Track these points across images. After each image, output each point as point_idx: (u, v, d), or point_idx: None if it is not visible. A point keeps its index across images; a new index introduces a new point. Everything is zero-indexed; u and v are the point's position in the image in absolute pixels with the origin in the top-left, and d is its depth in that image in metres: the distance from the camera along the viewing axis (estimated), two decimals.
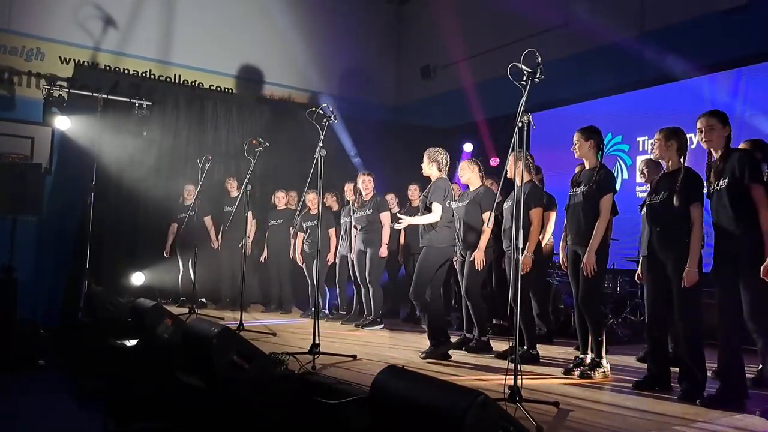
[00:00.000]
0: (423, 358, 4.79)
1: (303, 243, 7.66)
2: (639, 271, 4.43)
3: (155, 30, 10.10)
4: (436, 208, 5.00)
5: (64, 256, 8.55)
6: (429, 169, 5.17)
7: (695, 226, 3.74)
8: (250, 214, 8.03)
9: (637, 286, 6.49)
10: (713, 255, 3.71)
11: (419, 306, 5.18)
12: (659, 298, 3.89)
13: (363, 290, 6.87)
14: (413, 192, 7.26)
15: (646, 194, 4.16)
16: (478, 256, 5.11)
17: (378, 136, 9.85)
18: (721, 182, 3.61)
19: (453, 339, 5.60)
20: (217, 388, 3.68)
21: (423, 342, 5.72)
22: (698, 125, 3.73)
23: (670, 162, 3.94)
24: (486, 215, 5.05)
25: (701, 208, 3.77)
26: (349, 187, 7.32)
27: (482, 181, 5.44)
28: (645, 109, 7.85)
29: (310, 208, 7.53)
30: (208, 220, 8.20)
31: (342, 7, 11.75)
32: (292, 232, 7.93)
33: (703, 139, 3.71)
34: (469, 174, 5.40)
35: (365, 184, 6.61)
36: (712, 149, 3.73)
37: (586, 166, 4.42)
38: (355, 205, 6.76)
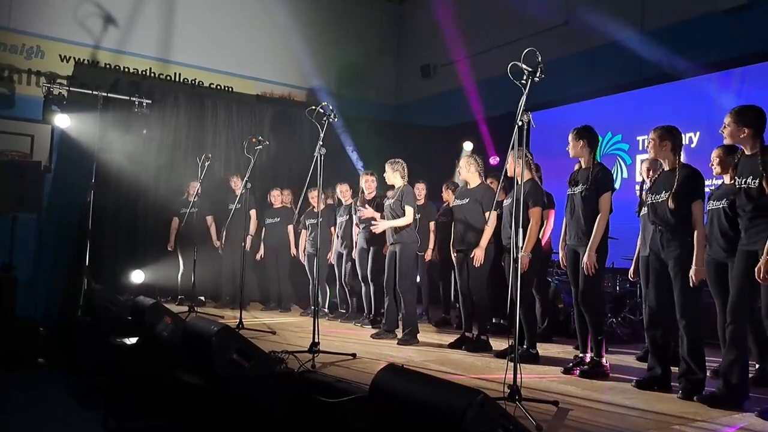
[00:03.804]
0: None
1: (306, 241, 7.66)
2: (632, 269, 4.42)
3: (155, 28, 10.09)
4: (409, 211, 5.72)
5: (63, 254, 8.55)
6: (393, 177, 5.88)
7: (697, 224, 3.73)
8: (253, 212, 8.04)
9: (637, 285, 6.50)
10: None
11: (405, 299, 5.66)
12: (662, 297, 3.89)
13: (364, 288, 6.87)
14: (420, 190, 7.27)
15: (643, 193, 4.15)
16: (479, 254, 5.14)
17: (378, 134, 9.85)
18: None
19: (453, 338, 5.65)
20: (217, 386, 3.68)
21: (423, 340, 5.73)
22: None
23: (666, 161, 3.94)
24: (488, 214, 5.12)
25: (702, 206, 3.76)
26: (342, 188, 7.32)
27: (481, 179, 5.45)
28: (645, 108, 7.84)
29: (313, 206, 7.53)
30: (209, 219, 8.19)
31: (342, 5, 11.74)
32: (292, 229, 7.92)
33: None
34: (467, 171, 5.42)
35: (368, 183, 6.61)
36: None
37: (582, 165, 4.43)
38: (358, 204, 6.76)
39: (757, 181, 3.42)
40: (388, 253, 5.93)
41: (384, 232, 5.95)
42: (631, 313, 6.54)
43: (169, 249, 8.15)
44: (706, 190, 4.31)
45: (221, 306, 7.99)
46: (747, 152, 3.57)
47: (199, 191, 7.51)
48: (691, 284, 3.68)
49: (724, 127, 3.63)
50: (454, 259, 5.58)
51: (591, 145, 4.38)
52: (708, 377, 3.80)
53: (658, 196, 3.89)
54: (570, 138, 4.42)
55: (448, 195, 7.15)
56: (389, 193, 6.04)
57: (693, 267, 3.67)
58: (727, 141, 3.68)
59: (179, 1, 10.25)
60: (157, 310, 5.10)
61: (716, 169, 4.42)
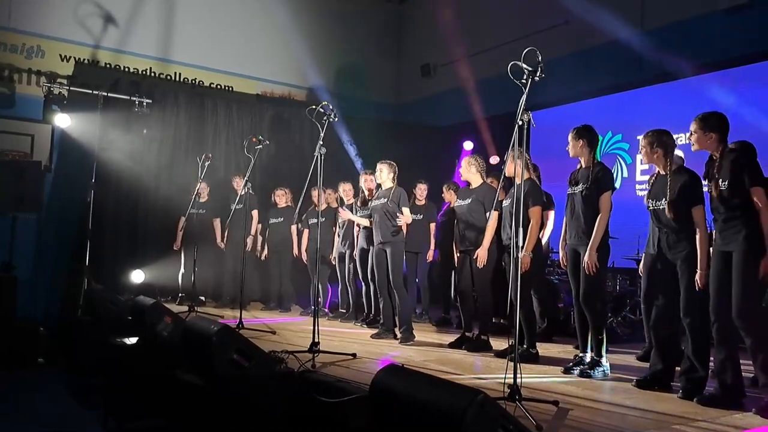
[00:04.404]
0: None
1: (308, 240, 7.66)
2: (642, 266, 4.41)
3: (155, 28, 10.09)
4: (407, 212, 5.87)
5: (63, 253, 8.55)
6: (387, 178, 5.95)
7: (699, 228, 3.73)
8: (255, 212, 8.03)
9: (637, 285, 6.50)
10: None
11: (399, 295, 5.74)
12: (669, 296, 3.88)
13: (364, 288, 6.88)
14: (421, 191, 7.28)
15: (646, 194, 4.15)
16: (482, 254, 5.14)
17: (378, 134, 9.85)
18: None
19: (453, 337, 5.65)
20: (217, 386, 3.68)
21: (423, 340, 5.73)
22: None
23: (660, 166, 3.94)
24: (489, 214, 5.13)
25: (703, 210, 3.75)
26: (345, 187, 7.32)
27: (483, 179, 5.45)
28: (645, 107, 7.84)
29: (316, 205, 7.52)
30: (216, 221, 8.18)
31: (342, 5, 11.73)
32: (295, 229, 7.92)
33: None
34: (467, 172, 5.42)
35: (367, 183, 6.61)
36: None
37: (582, 165, 4.43)
38: (358, 203, 6.77)
39: (726, 183, 3.50)
40: (376, 253, 5.94)
41: (372, 233, 5.99)
42: (632, 312, 6.55)
43: (175, 248, 8.14)
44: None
45: (221, 306, 7.99)
46: (714, 157, 3.65)
47: (208, 192, 7.51)
48: (696, 288, 3.68)
49: (691, 134, 3.70)
50: (456, 259, 5.60)
51: (591, 144, 4.37)
52: (708, 377, 3.80)
53: (658, 203, 3.89)
54: (570, 137, 4.41)
55: (449, 195, 7.15)
56: (379, 193, 6.04)
57: (698, 271, 3.67)
58: (694, 147, 3.74)
59: (179, 1, 10.25)
60: (157, 310, 5.11)
61: None
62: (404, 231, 5.94)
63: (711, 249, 3.73)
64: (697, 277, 3.66)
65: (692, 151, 3.82)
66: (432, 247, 7.14)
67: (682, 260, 3.77)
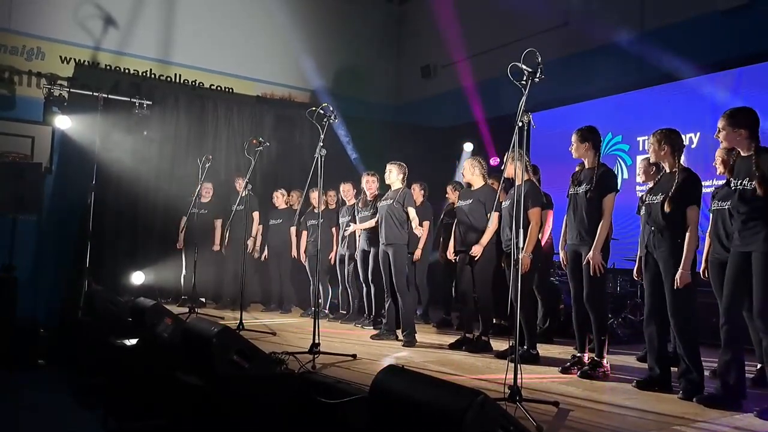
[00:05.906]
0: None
1: (307, 242, 7.66)
2: (636, 269, 4.41)
3: (155, 29, 10.10)
4: (413, 213, 5.83)
5: (64, 255, 8.55)
6: (396, 179, 5.95)
7: (690, 228, 3.72)
8: (256, 213, 8.03)
9: (637, 286, 6.50)
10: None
11: (403, 298, 5.72)
12: (656, 296, 3.89)
13: (365, 290, 6.88)
14: (416, 191, 7.26)
15: (643, 193, 4.15)
16: (476, 248, 5.16)
17: (378, 135, 9.86)
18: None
19: (453, 339, 5.65)
20: (217, 387, 3.68)
21: (424, 341, 5.73)
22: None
23: (666, 164, 3.94)
24: (490, 215, 5.13)
25: (698, 211, 3.75)
26: (345, 188, 7.32)
27: (485, 180, 5.45)
28: (645, 108, 7.84)
29: (314, 207, 7.52)
30: (218, 222, 8.15)
31: (342, 6, 11.75)
32: (294, 230, 7.92)
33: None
34: (471, 174, 5.42)
35: (369, 184, 6.60)
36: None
37: (586, 166, 4.43)
38: (359, 204, 6.77)
39: (752, 182, 3.42)
40: (381, 254, 5.95)
41: (378, 233, 5.99)
42: (632, 313, 6.55)
43: (178, 247, 8.12)
44: (708, 190, 4.29)
45: (222, 307, 7.99)
46: (743, 153, 3.57)
47: (212, 193, 7.49)
48: (674, 287, 3.67)
49: (719, 131, 3.61)
50: (443, 258, 5.62)
51: (595, 146, 4.37)
52: (708, 377, 3.80)
53: (654, 198, 3.90)
54: (573, 139, 4.40)
55: (452, 195, 7.14)
56: (388, 194, 6.06)
57: (680, 270, 3.66)
58: (723, 145, 3.69)
59: (179, 1, 10.25)
60: (157, 311, 5.12)
61: (720, 169, 4.39)
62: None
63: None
64: (678, 275, 3.66)
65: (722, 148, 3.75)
66: (420, 247, 7.08)
67: (665, 262, 3.77)
